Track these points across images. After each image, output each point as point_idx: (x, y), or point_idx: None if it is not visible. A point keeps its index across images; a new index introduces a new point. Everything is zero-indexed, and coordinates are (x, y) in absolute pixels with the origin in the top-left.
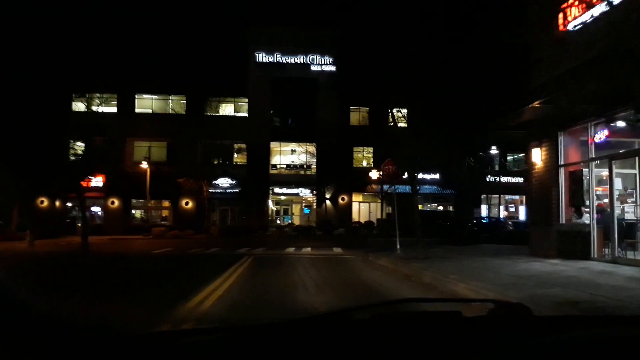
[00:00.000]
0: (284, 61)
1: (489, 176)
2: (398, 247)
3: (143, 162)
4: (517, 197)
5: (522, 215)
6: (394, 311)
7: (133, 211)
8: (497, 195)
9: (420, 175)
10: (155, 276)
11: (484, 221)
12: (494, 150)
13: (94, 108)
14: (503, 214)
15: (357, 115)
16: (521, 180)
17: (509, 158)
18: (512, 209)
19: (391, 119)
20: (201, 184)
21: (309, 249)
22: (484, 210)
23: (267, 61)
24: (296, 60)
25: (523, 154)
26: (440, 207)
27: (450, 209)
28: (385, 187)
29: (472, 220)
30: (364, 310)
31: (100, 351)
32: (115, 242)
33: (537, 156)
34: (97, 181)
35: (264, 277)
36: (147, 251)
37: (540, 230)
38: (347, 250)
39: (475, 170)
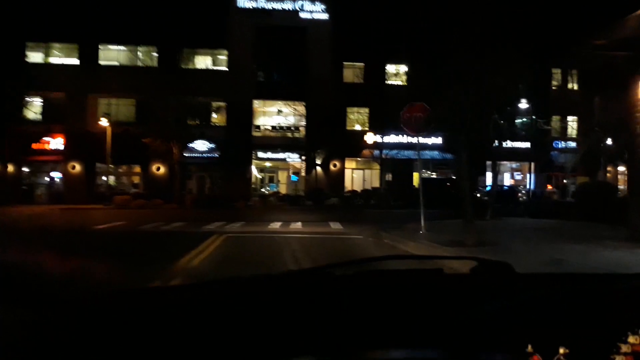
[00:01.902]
0: (270, 7)
1: (495, 140)
2: (423, 223)
3: (102, 119)
4: (525, 163)
5: (529, 184)
6: (376, 269)
7: (104, 178)
8: (500, 162)
9: (421, 139)
10: None
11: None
12: (523, 104)
13: (52, 60)
14: (509, 182)
15: (351, 72)
16: (528, 145)
17: (517, 121)
18: (518, 177)
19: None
20: (170, 145)
21: (299, 225)
22: (488, 178)
23: (250, 7)
24: (283, 7)
25: (533, 117)
26: (433, 175)
27: (452, 177)
28: (385, 152)
29: (482, 189)
30: (346, 267)
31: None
32: (65, 213)
33: None
34: (57, 143)
35: None
36: (89, 226)
37: None
38: (348, 226)
39: (504, 128)
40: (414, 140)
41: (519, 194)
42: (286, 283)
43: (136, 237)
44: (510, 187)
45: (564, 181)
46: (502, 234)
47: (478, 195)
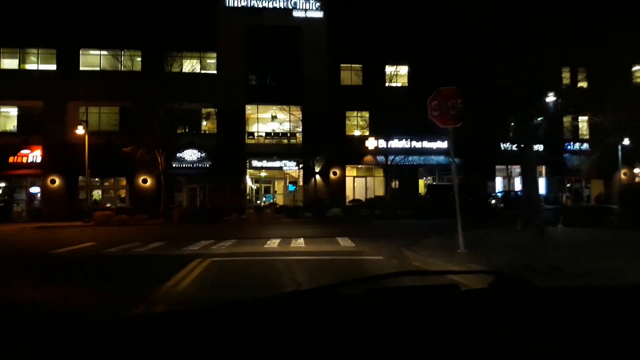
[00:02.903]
0: (260, 5)
1: (504, 144)
2: (461, 240)
3: (79, 127)
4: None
5: (541, 188)
6: (386, 286)
7: (95, 192)
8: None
9: (425, 144)
10: None
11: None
12: (550, 97)
13: (28, 66)
14: (518, 187)
15: (349, 74)
16: (541, 147)
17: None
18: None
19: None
20: (155, 154)
21: (301, 242)
22: (498, 183)
23: (239, 6)
24: (275, 5)
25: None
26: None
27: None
28: (392, 157)
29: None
30: (354, 285)
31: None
32: (35, 233)
33: None
34: (35, 155)
35: None
36: (48, 249)
37: None
38: (360, 242)
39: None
40: (419, 144)
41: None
42: (291, 304)
43: (89, 265)
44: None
45: (568, 185)
46: (567, 252)
47: (493, 201)
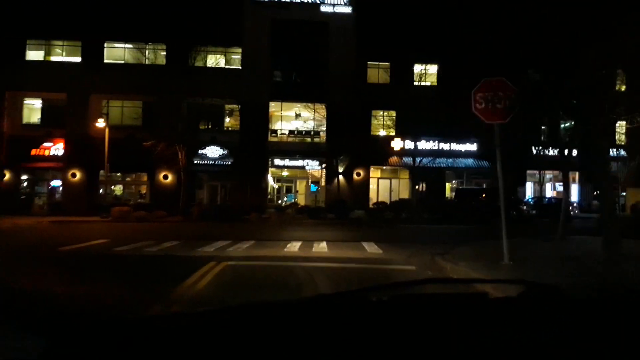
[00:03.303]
0: None
1: (535, 147)
2: (506, 250)
3: (99, 120)
4: (569, 172)
5: (574, 195)
6: (414, 293)
7: (112, 187)
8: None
9: (454, 146)
10: None
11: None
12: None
13: (54, 58)
14: (551, 193)
15: (376, 72)
16: (574, 152)
17: (561, 126)
18: (560, 188)
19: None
20: (175, 149)
21: (324, 246)
22: (528, 188)
23: (266, 0)
24: None
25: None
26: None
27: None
28: (418, 159)
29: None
30: (381, 291)
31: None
32: (51, 227)
33: None
34: (57, 148)
35: None
36: (58, 245)
37: None
38: (387, 248)
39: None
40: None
41: (570, 207)
42: (316, 309)
43: (92, 265)
44: (559, 199)
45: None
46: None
47: (524, 207)
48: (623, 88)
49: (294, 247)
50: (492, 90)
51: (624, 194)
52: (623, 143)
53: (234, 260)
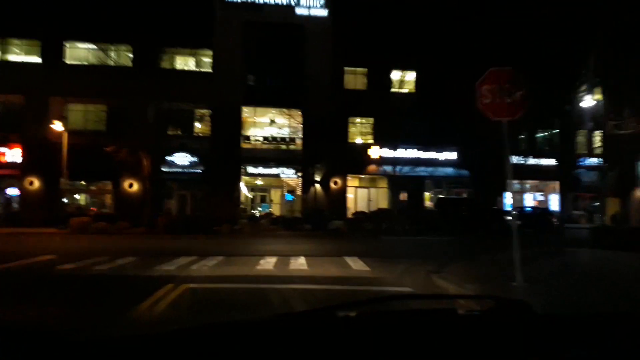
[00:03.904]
0: (261, 1)
1: (516, 156)
2: (519, 272)
3: (55, 122)
4: (549, 182)
5: (554, 205)
6: (382, 309)
7: (76, 196)
8: (519, 181)
9: (433, 155)
10: None
11: (527, 210)
12: (588, 101)
13: (11, 57)
14: (531, 203)
15: (354, 78)
16: (553, 161)
17: (539, 135)
18: (540, 198)
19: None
20: (139, 156)
21: (302, 262)
22: (508, 197)
23: (238, 0)
24: (277, 1)
25: (557, 130)
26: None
27: (465, 196)
28: (397, 168)
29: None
30: (349, 308)
31: None
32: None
33: None
34: (13, 154)
35: None
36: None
37: None
38: (373, 263)
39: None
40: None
41: (554, 218)
42: (282, 327)
43: (23, 287)
44: (542, 209)
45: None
46: None
47: (509, 218)
48: None
49: (268, 263)
50: (499, 82)
51: (598, 204)
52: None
53: (197, 282)
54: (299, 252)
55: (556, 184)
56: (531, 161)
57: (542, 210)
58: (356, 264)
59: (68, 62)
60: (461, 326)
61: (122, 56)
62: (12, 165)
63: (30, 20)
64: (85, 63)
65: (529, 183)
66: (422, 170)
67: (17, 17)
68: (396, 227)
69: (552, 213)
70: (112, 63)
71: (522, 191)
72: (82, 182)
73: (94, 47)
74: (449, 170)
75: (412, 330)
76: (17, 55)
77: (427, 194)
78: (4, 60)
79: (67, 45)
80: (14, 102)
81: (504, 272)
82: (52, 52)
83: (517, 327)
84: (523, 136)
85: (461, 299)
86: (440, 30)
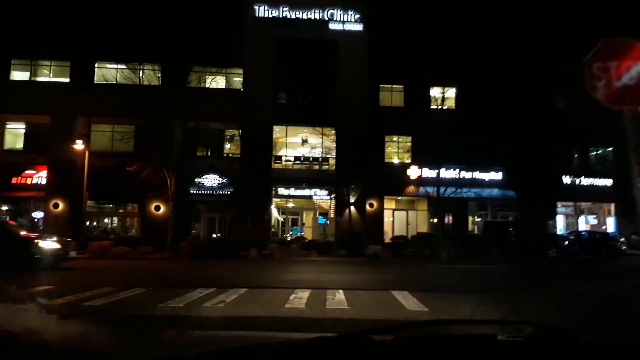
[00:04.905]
0: (293, 16)
1: (566, 176)
2: None
3: (77, 142)
4: (603, 205)
5: (610, 228)
6: (419, 334)
7: (105, 219)
8: (573, 203)
9: (476, 175)
10: None
11: (584, 235)
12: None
13: (40, 79)
14: (585, 227)
15: (389, 95)
16: (609, 182)
17: (592, 154)
18: (593, 222)
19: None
20: (164, 176)
21: (341, 298)
22: (560, 221)
23: (270, 16)
24: (309, 16)
25: (611, 148)
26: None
27: (511, 219)
28: (434, 188)
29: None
30: (385, 332)
31: None
32: None
33: None
34: (39, 176)
35: None
36: None
37: None
38: (431, 302)
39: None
40: (469, 174)
41: (617, 243)
42: (317, 351)
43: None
44: (602, 233)
45: None
46: None
47: (566, 242)
48: None
49: (300, 299)
50: (616, 58)
51: None
52: None
53: (206, 328)
54: (336, 284)
55: (611, 206)
56: (585, 181)
57: (602, 234)
58: (408, 302)
59: (97, 82)
60: (501, 352)
61: (151, 75)
62: (38, 187)
63: (61, 41)
64: (114, 83)
65: (582, 205)
66: (465, 192)
67: (48, 39)
68: (441, 253)
69: (615, 238)
70: (140, 82)
71: (577, 214)
72: (110, 205)
73: (124, 66)
74: (494, 191)
75: (450, 356)
76: (47, 77)
77: (470, 218)
78: (33, 80)
79: (97, 65)
80: (41, 123)
81: (613, 318)
82: (82, 73)
83: (559, 354)
84: (576, 155)
85: (499, 324)
86: (481, 44)
